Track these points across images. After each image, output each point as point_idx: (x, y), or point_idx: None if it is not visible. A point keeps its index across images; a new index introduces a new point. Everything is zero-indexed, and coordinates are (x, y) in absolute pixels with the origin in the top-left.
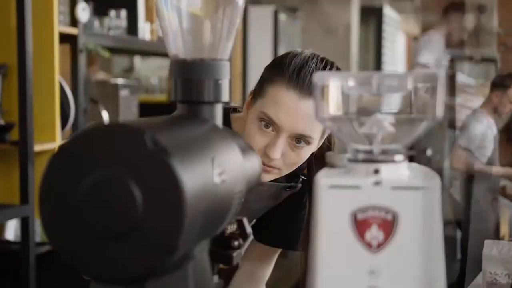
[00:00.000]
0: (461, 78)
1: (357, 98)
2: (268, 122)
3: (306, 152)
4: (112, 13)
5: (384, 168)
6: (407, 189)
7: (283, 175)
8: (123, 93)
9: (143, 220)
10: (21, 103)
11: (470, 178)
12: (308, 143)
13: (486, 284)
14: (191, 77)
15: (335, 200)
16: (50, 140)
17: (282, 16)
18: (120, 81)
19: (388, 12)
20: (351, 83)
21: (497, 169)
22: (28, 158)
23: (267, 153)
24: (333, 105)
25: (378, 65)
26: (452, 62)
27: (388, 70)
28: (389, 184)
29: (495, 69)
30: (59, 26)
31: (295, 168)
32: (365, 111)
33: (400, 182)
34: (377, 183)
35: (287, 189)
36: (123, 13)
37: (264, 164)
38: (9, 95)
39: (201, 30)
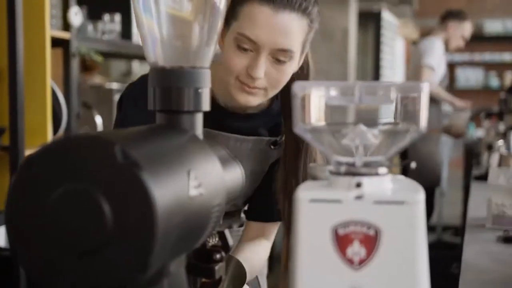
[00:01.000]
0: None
1: (356, 107)
2: (245, 43)
3: (289, 68)
4: (106, 17)
5: (367, 182)
6: (390, 204)
7: (270, 97)
8: (118, 97)
9: (113, 236)
10: (12, 108)
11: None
12: (289, 58)
13: (491, 217)
14: (170, 85)
15: (315, 215)
16: (41, 145)
17: None
18: (114, 85)
19: (387, 16)
20: (333, 93)
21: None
22: (19, 164)
23: (250, 73)
24: (315, 115)
25: (376, 70)
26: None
27: (386, 75)
28: (371, 198)
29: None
30: (52, 30)
31: (280, 88)
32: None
33: (383, 196)
34: (359, 197)
35: (272, 146)
36: (117, 17)
37: (248, 86)
38: (0, 99)
39: (181, 36)
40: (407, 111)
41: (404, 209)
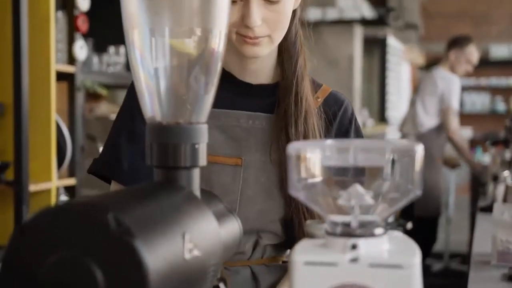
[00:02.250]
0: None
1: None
2: None
3: (285, 6)
4: (111, 49)
5: (363, 243)
6: (386, 267)
7: (277, 43)
8: None
9: None
10: (17, 143)
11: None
12: None
13: (496, 253)
14: (167, 141)
15: (310, 278)
16: (46, 179)
17: None
18: None
19: (392, 42)
20: (328, 153)
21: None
22: (23, 199)
23: (246, 24)
24: (309, 176)
25: (382, 95)
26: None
27: (392, 100)
28: (366, 261)
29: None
30: (57, 64)
31: (285, 31)
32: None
33: (379, 259)
34: (354, 260)
35: None
36: (122, 49)
37: (250, 37)
38: (5, 134)
39: (178, 92)
40: (403, 171)
41: (400, 273)
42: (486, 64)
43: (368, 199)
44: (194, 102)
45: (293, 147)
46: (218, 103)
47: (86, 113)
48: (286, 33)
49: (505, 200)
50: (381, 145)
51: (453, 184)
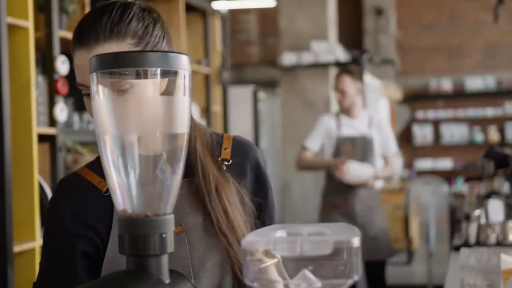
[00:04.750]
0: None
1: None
2: (83, 89)
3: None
4: None
5: None
6: None
7: None
8: None
9: None
10: (0, 206)
11: None
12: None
13: None
14: (137, 233)
15: None
16: (29, 239)
17: (262, 95)
18: None
19: (369, 79)
20: (278, 245)
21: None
22: (8, 261)
23: None
24: (261, 264)
25: None
26: None
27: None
28: None
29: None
30: (39, 127)
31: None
32: None
33: None
34: None
35: None
36: None
37: None
38: None
39: (146, 189)
40: (343, 259)
41: None
42: (462, 96)
43: (316, 283)
44: (161, 196)
45: (246, 241)
46: None
47: (70, 165)
48: None
49: (478, 239)
50: (324, 238)
51: (433, 216)
